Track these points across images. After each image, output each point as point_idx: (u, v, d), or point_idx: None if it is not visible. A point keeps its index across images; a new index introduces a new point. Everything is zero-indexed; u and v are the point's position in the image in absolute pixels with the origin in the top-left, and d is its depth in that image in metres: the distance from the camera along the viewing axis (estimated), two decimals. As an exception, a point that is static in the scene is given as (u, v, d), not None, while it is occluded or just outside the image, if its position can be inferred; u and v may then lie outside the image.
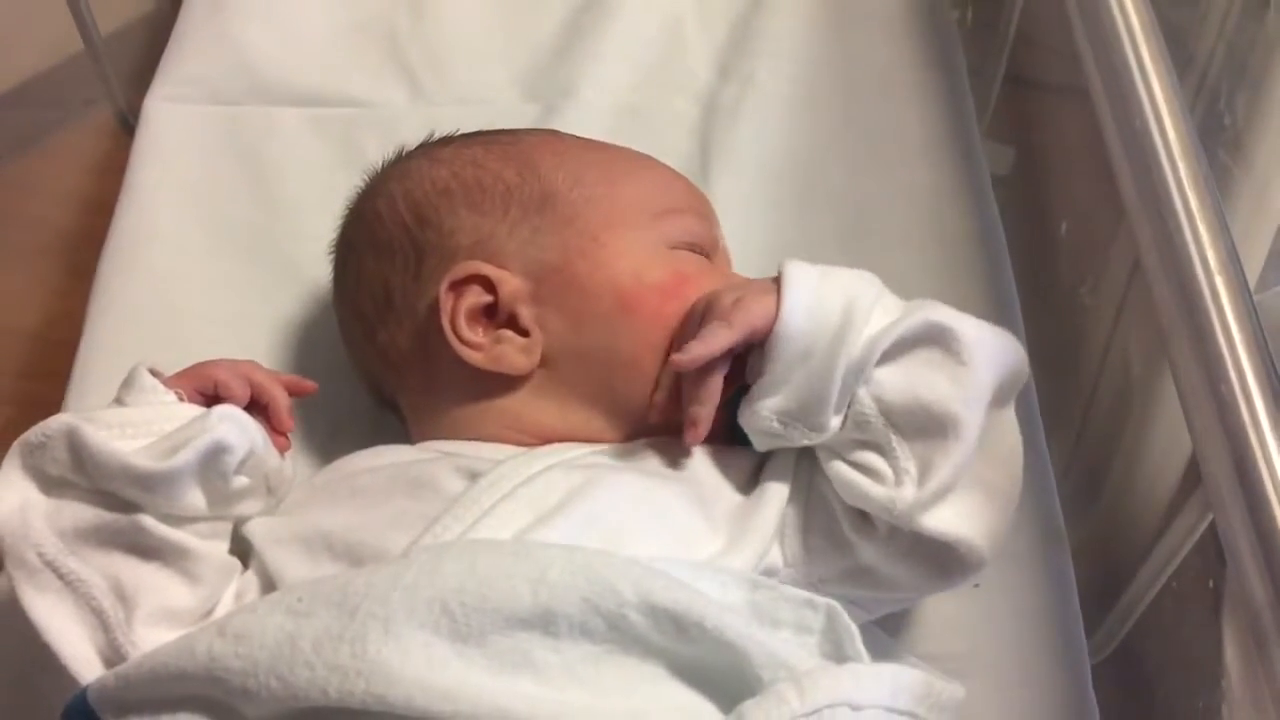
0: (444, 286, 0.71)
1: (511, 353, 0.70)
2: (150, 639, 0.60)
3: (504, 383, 0.70)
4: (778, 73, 1.01)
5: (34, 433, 0.62)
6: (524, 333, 0.70)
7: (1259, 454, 0.60)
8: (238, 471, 0.65)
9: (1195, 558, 0.69)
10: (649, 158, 0.80)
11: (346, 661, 0.52)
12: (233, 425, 0.64)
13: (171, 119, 0.99)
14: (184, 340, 0.83)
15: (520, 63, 1.03)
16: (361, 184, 0.81)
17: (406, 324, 0.73)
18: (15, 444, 0.63)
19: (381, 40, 1.04)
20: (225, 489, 0.65)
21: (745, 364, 0.66)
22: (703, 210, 0.78)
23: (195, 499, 0.63)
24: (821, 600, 0.59)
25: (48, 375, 0.95)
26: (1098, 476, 0.88)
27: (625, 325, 0.69)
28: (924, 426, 0.62)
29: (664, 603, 0.54)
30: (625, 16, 1.05)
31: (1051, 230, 1.00)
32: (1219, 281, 0.66)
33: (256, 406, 0.69)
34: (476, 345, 0.70)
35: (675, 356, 0.64)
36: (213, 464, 0.63)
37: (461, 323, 0.70)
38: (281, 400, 0.70)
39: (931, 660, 0.69)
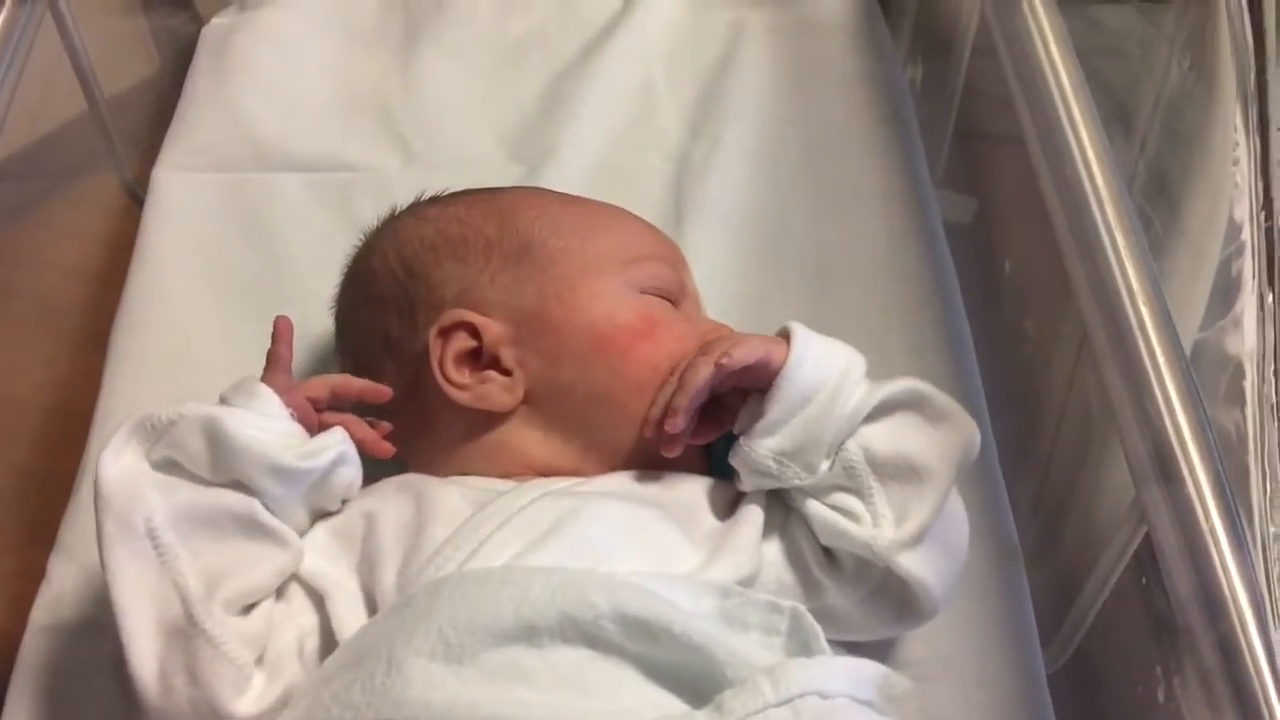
0: (433, 333, 0.77)
1: (495, 391, 0.76)
2: (227, 622, 0.65)
3: (490, 419, 0.76)
4: (743, 131, 1.09)
5: (165, 411, 0.68)
6: (506, 373, 0.76)
7: (1183, 463, 0.67)
8: (342, 492, 0.73)
9: (1134, 562, 0.75)
10: (622, 210, 0.87)
11: (357, 698, 0.58)
12: (349, 447, 0.73)
13: (179, 187, 1.05)
14: (197, 393, 0.88)
15: (505, 127, 1.10)
16: (357, 244, 0.87)
17: (401, 370, 0.79)
18: (135, 418, 0.69)
19: (375, 109, 1.11)
20: (328, 504, 0.73)
21: (734, 414, 0.73)
22: (671, 258, 0.84)
23: (300, 505, 0.71)
24: (786, 604, 0.64)
25: (43, 442, 1.01)
26: (1057, 499, 0.95)
27: (599, 363, 0.75)
28: (904, 475, 0.70)
29: (634, 611, 0.59)
30: (600, 81, 1.12)
31: (1001, 270, 1.07)
32: (1144, 311, 0.74)
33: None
34: (463, 386, 0.76)
35: (721, 360, 0.70)
36: (331, 476, 0.72)
37: (449, 365, 0.76)
38: (370, 434, 0.77)
39: (895, 665, 0.75)
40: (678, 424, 0.71)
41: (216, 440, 0.67)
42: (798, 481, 0.71)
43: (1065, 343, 0.90)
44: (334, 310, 0.87)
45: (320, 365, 0.93)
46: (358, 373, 0.82)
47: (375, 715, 0.57)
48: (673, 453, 0.73)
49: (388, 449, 0.77)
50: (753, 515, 0.72)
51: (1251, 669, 0.60)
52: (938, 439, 0.71)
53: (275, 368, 0.77)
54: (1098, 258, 0.76)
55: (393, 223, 0.86)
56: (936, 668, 0.79)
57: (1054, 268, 0.81)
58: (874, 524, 0.70)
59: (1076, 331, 0.79)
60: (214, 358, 0.94)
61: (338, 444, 0.72)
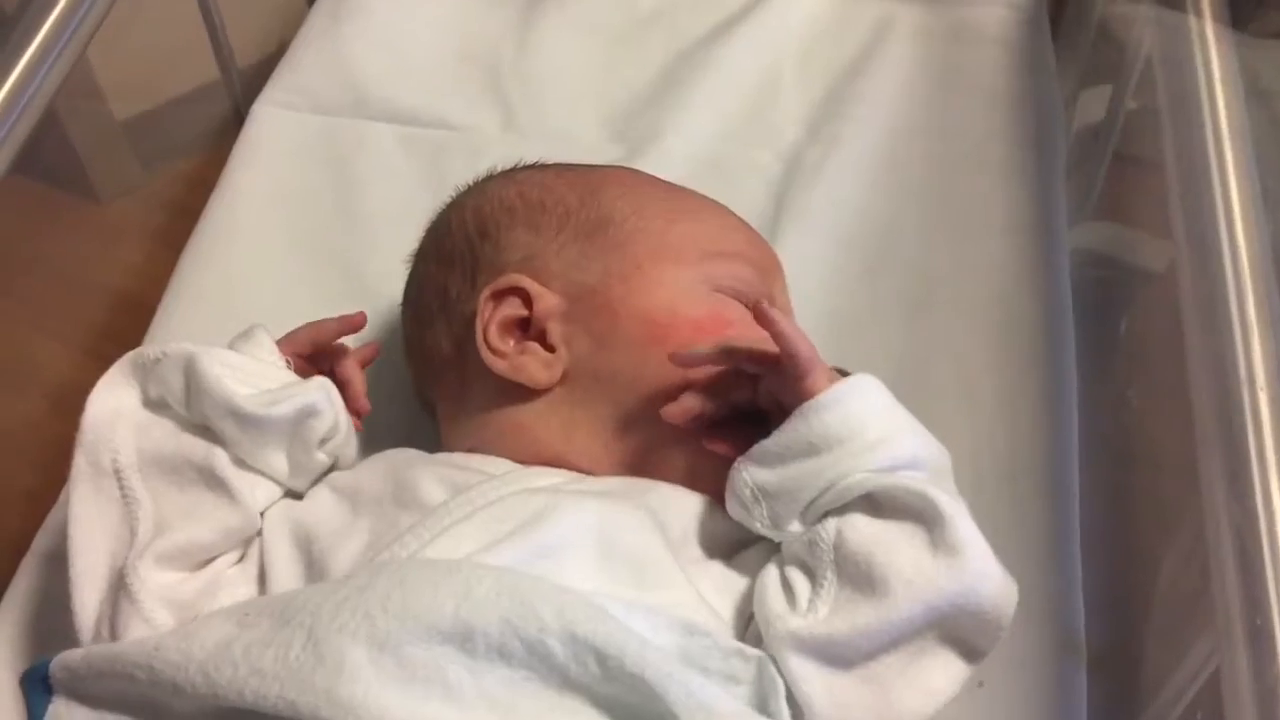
0: (485, 295, 0.72)
1: (533, 365, 0.70)
2: (151, 577, 0.62)
3: (519, 395, 0.71)
4: (866, 136, 1.00)
5: (152, 349, 0.67)
6: (550, 348, 0.71)
7: (1275, 602, 0.56)
8: (321, 447, 0.69)
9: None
10: (718, 204, 0.80)
11: (267, 666, 0.53)
12: (324, 395, 0.69)
13: (275, 124, 1.03)
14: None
15: (613, 104, 1.04)
16: (447, 200, 0.84)
17: (452, 328, 0.75)
18: (129, 355, 0.68)
19: (484, 69, 1.07)
20: (306, 460, 0.68)
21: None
22: (763, 263, 0.76)
23: (277, 457, 0.67)
24: (753, 652, 0.57)
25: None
26: (1138, 599, 0.83)
27: (650, 353, 0.68)
28: (861, 583, 0.59)
29: (586, 634, 0.52)
30: (722, 68, 1.05)
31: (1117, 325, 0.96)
32: (1262, 398, 0.62)
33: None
34: (501, 353, 0.71)
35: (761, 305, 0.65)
36: (302, 427, 0.67)
37: (494, 331, 0.71)
38: (358, 383, 0.75)
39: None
40: (682, 358, 0.66)
41: (191, 377, 0.65)
42: (760, 527, 0.63)
43: (1173, 421, 0.78)
44: (409, 262, 0.83)
45: (380, 327, 0.89)
46: (414, 325, 0.80)
47: (280, 691, 0.52)
48: (674, 416, 0.66)
49: (364, 405, 0.74)
50: (755, 562, 0.64)
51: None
52: (923, 568, 0.58)
53: (310, 329, 0.75)
54: (1219, 324, 0.65)
55: (484, 181, 0.82)
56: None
57: (1173, 332, 0.70)
58: (805, 612, 0.59)
59: (1185, 412, 0.68)
60: (269, 304, 0.91)
61: (306, 394, 0.67)
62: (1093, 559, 0.78)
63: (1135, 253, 1.00)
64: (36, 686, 0.60)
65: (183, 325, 0.90)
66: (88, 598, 0.63)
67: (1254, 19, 0.83)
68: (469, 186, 0.83)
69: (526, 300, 0.71)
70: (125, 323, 1.01)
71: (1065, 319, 0.89)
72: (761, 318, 0.64)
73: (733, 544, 0.67)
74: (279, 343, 0.73)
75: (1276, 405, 0.62)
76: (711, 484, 0.67)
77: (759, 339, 0.67)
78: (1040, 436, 0.82)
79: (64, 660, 0.59)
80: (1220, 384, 0.64)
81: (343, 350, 0.77)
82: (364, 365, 0.77)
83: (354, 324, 0.77)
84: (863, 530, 0.60)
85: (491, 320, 0.71)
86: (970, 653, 0.60)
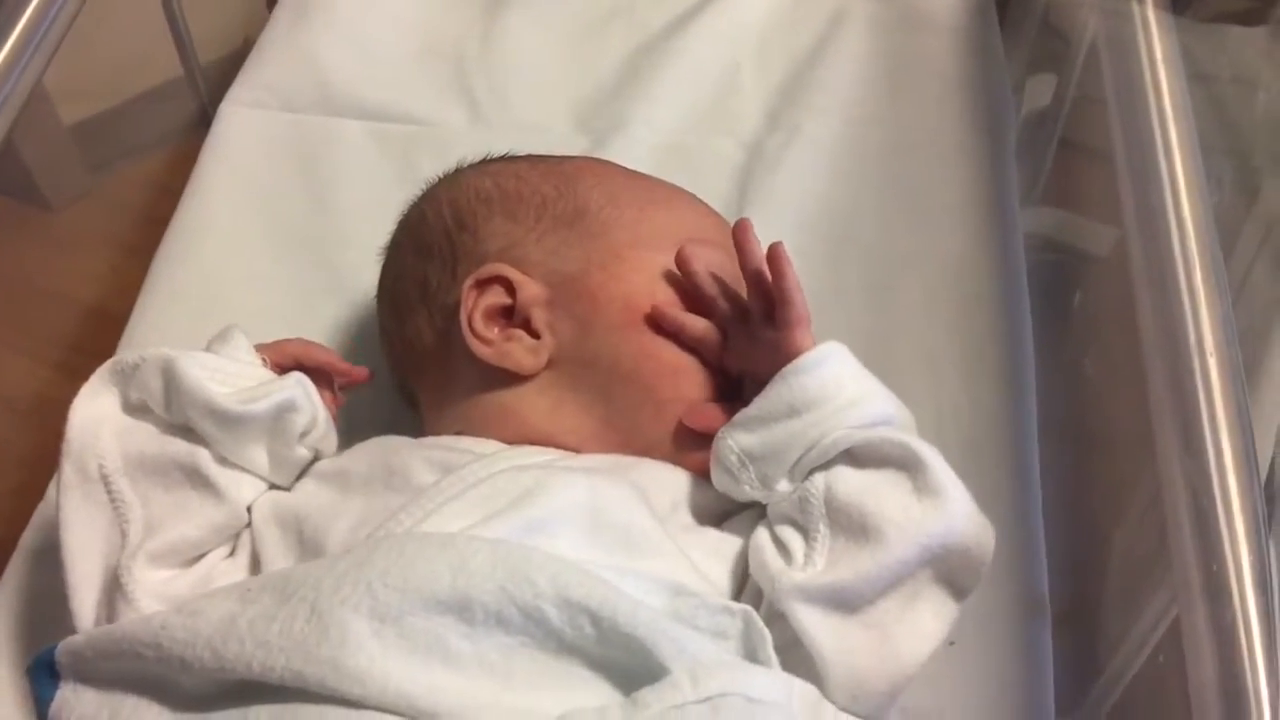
0: (468, 284, 0.74)
1: (519, 351, 0.72)
2: (145, 576, 0.63)
3: (506, 381, 0.73)
4: (825, 125, 1.03)
5: (130, 355, 0.68)
6: (535, 335, 0.73)
7: (1228, 550, 0.60)
8: (301, 441, 0.70)
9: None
10: (688, 193, 0.83)
11: (273, 639, 0.54)
12: (301, 390, 0.70)
13: (243, 122, 1.04)
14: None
15: (577, 96, 1.06)
16: (419, 192, 0.85)
17: (434, 318, 0.77)
18: (108, 362, 0.69)
19: (449, 64, 1.09)
20: (287, 454, 0.70)
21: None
22: (732, 248, 0.78)
23: (258, 454, 0.68)
24: (739, 607, 0.59)
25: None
26: (1099, 558, 0.87)
27: (631, 338, 0.71)
28: (854, 531, 0.62)
29: (580, 597, 0.55)
30: (683, 58, 1.07)
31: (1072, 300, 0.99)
32: (1211, 363, 0.66)
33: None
34: (487, 340, 0.73)
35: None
36: (281, 423, 0.68)
37: (478, 319, 0.73)
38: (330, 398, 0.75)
39: (898, 711, 0.69)
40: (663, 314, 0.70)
41: (170, 380, 0.67)
42: (749, 490, 0.66)
43: (1127, 389, 0.82)
44: (382, 254, 0.84)
45: (356, 320, 0.91)
46: (392, 316, 0.81)
47: (286, 662, 0.54)
48: (697, 423, 0.69)
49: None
50: (744, 528, 0.67)
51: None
52: (911, 511, 0.61)
53: (300, 346, 0.75)
54: (1169, 294, 0.69)
55: (456, 173, 0.84)
56: (940, 718, 0.73)
57: (1123, 307, 0.74)
58: (802, 566, 0.62)
59: (1138, 379, 0.72)
60: (246, 299, 0.93)
61: (284, 390, 0.69)
62: (1054, 522, 0.81)
63: (1080, 238, 1.04)
64: (42, 674, 0.61)
65: (158, 326, 0.91)
66: (86, 600, 0.64)
67: (1193, 4, 0.87)
68: (440, 179, 0.84)
69: (509, 288, 0.73)
70: (88, 331, 1.02)
71: (1021, 294, 0.92)
72: (774, 259, 0.68)
73: (717, 516, 0.69)
74: (263, 347, 0.73)
75: (1224, 368, 0.65)
76: (694, 459, 0.70)
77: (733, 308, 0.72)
78: (1001, 407, 0.85)
79: (68, 645, 0.60)
80: (1171, 350, 0.67)
81: (324, 377, 0.76)
82: (348, 386, 0.78)
83: (353, 375, 0.77)
84: (850, 482, 0.63)
85: (476, 309, 0.73)
86: (958, 592, 0.63)
